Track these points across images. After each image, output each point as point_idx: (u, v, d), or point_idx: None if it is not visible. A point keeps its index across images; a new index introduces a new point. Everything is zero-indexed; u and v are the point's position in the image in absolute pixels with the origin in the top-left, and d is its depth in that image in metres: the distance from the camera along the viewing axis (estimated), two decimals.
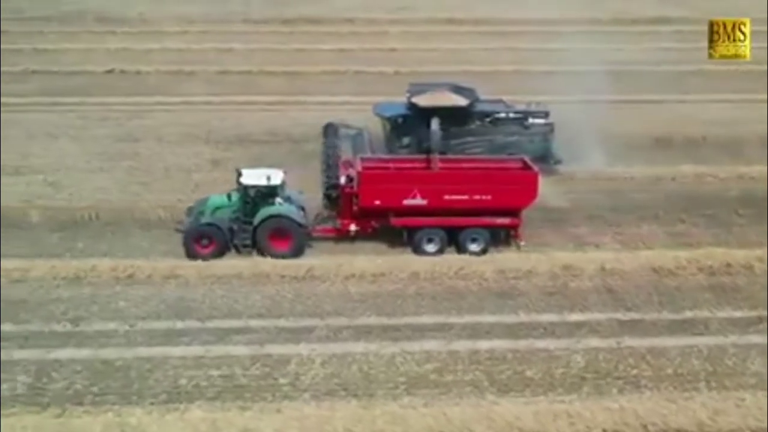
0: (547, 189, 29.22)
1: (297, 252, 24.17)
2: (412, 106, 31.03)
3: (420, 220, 24.49)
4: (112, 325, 20.74)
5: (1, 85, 41.85)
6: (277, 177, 24.52)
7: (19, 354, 19.35)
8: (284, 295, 22.32)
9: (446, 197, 24.29)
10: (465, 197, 24.26)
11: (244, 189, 24.34)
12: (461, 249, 24.53)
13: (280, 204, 24.43)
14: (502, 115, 31.54)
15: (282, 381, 18.49)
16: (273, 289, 22.60)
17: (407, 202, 24.29)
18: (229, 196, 24.84)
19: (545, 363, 19.25)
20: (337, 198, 25.61)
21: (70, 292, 22.25)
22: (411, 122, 30.72)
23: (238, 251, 24.17)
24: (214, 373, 18.76)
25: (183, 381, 18.44)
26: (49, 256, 23.90)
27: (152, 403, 17.66)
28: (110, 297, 22.07)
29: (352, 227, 25.04)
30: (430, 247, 24.46)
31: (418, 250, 24.46)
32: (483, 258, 24.06)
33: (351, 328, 20.72)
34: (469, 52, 51.48)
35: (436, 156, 26.06)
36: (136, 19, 60.72)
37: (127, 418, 17.15)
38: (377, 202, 24.43)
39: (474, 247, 24.50)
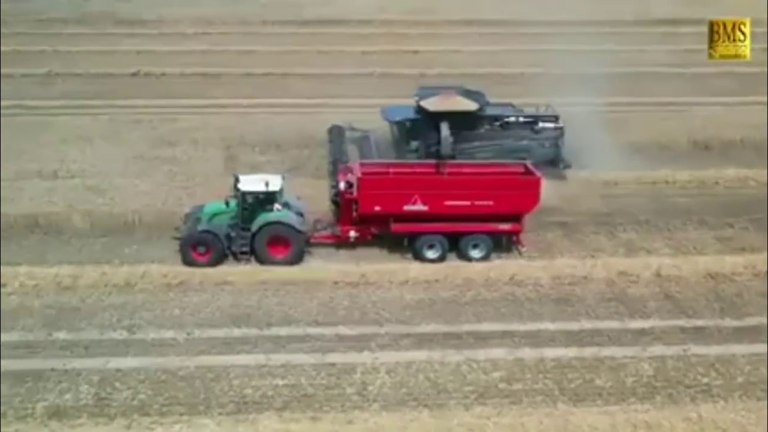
0: (590, 194, 29.38)
1: (295, 259, 23.65)
2: (421, 110, 30.55)
3: (420, 226, 24.00)
4: (169, 333, 20.47)
5: (26, 88, 42.06)
6: (275, 183, 23.97)
7: (79, 363, 19.08)
8: (339, 301, 22.07)
9: (447, 203, 23.88)
10: (467, 203, 23.87)
11: (242, 195, 23.79)
12: (463, 255, 24.11)
13: (278, 210, 23.88)
14: (512, 119, 31.13)
15: (349, 390, 18.24)
16: (327, 295, 22.34)
17: (408, 208, 23.87)
18: (227, 203, 24.26)
19: (613, 371, 18.99)
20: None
21: (122, 299, 21.99)
22: (419, 126, 30.32)
23: (236, 258, 23.68)
24: (279, 382, 18.50)
25: (249, 391, 18.17)
26: (97, 263, 23.62)
27: (221, 414, 17.40)
28: (163, 304, 21.82)
29: (352, 234, 24.61)
30: (431, 254, 24.04)
31: (419, 257, 24.01)
32: (537, 264, 23.81)
33: (412, 336, 20.45)
34: (492, 54, 51.09)
35: (447, 161, 25.67)
36: (154, 20, 60.27)
37: (199, 430, 16.91)
38: (377, 208, 23.98)
39: (475, 253, 24.09)
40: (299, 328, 20.80)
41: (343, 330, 20.72)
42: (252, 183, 23.94)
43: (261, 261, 23.54)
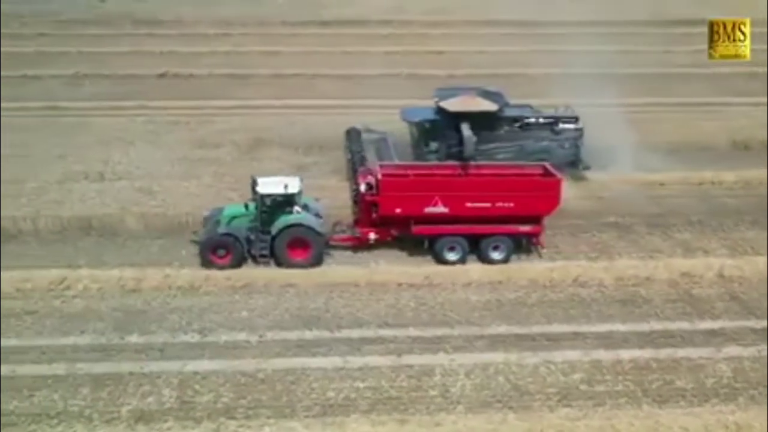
0: (638, 194, 29.42)
1: (315, 262, 23.46)
2: (441, 111, 30.36)
3: (441, 228, 23.85)
4: (241, 336, 20.39)
5: (55, 89, 41.99)
6: (294, 185, 23.79)
7: (156, 366, 18.99)
8: (406, 303, 22.01)
9: (468, 205, 23.74)
10: (487, 205, 23.72)
11: (261, 198, 23.57)
12: (483, 257, 23.98)
13: (298, 212, 23.71)
14: (532, 120, 30.94)
15: (432, 393, 18.18)
16: (393, 297, 22.29)
17: (428, 210, 23.73)
18: (246, 206, 24.07)
19: (692, 372, 18.97)
20: None
21: (188, 302, 21.89)
22: (439, 127, 30.17)
23: (255, 261, 23.47)
24: (360, 384, 18.43)
25: (331, 393, 18.11)
26: (157, 265, 23.49)
27: (307, 417, 17.33)
28: (230, 306, 21.73)
29: (372, 236, 24.45)
30: (452, 256, 23.90)
31: (439, 259, 23.92)
32: (600, 265, 23.76)
33: (484, 338, 20.41)
34: (516, 54, 51.14)
35: (470, 162, 25.45)
36: (173, 21, 60.33)
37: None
38: (398, 210, 23.85)
39: (496, 255, 23.96)
40: (370, 330, 20.74)
41: (414, 332, 20.65)
42: (271, 185, 23.73)
43: (280, 264, 23.34)
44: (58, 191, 28.15)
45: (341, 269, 23.43)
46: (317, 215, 24.32)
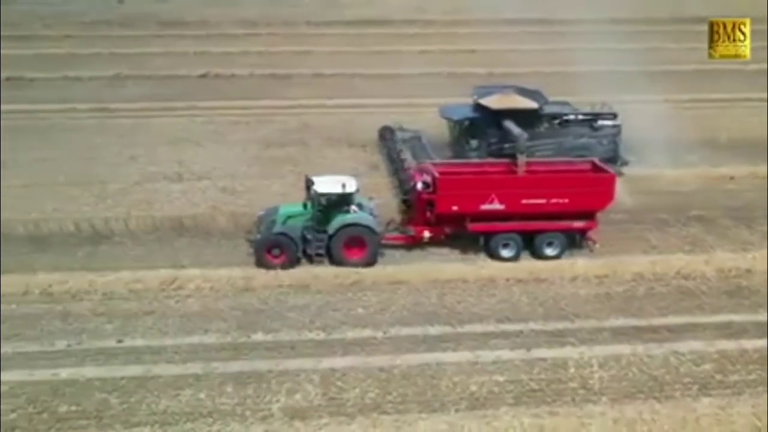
0: (711, 188, 29.95)
1: (371, 261, 23.47)
2: (482, 109, 30.56)
3: (497, 225, 23.94)
4: (365, 333, 20.51)
5: (99, 90, 41.87)
6: (351, 184, 23.81)
7: (291, 364, 19.04)
8: (518, 298, 22.26)
9: (523, 201, 23.87)
10: (542, 201, 23.87)
11: (318, 197, 23.60)
12: (537, 253, 24.10)
13: (354, 212, 23.74)
14: (571, 117, 31.27)
15: (572, 385, 18.42)
16: (503, 292, 22.52)
17: (484, 207, 23.83)
18: (305, 205, 24.13)
19: None
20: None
21: (303, 300, 21.98)
22: (479, 125, 30.40)
23: (311, 261, 23.48)
24: (499, 378, 18.61)
25: (474, 387, 18.28)
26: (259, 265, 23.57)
27: (458, 411, 17.47)
28: (346, 304, 21.83)
29: (426, 234, 24.45)
30: (506, 252, 24.04)
31: (494, 256, 24.03)
32: (699, 258, 24.13)
33: (606, 330, 20.69)
34: (548, 52, 51.43)
35: (523, 159, 25.53)
36: (197, 22, 60.27)
37: (440, 427, 16.97)
38: (455, 208, 23.91)
39: (550, 251, 24.07)
40: (491, 324, 20.94)
41: (535, 326, 20.89)
42: (327, 185, 23.75)
43: (336, 263, 23.35)
44: (141, 192, 28.12)
45: (448, 266, 23.63)
46: (371, 214, 24.36)
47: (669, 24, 60.45)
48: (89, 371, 18.67)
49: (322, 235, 23.51)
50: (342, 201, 23.70)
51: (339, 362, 19.20)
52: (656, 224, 26.77)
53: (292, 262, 23.27)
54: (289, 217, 23.99)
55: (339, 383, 18.39)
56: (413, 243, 24.65)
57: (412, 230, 24.72)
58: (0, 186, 28.02)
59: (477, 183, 24.61)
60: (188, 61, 48.66)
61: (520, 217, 24.07)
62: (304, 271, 23.09)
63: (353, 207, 23.81)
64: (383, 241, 24.31)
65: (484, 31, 58.16)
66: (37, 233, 25.51)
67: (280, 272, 22.94)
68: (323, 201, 23.63)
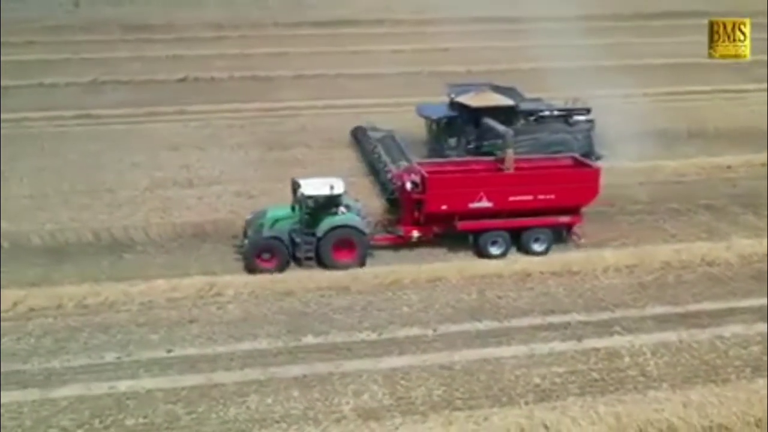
0: (711, 177, 30.90)
1: (361, 262, 23.37)
2: (460, 107, 30.61)
3: (486, 223, 24.06)
4: (415, 331, 20.51)
5: (79, 96, 40.92)
6: (339, 186, 23.68)
7: (350, 365, 18.93)
8: (556, 290, 22.55)
9: (512, 198, 24.07)
10: (530, 198, 24.13)
11: (306, 200, 23.41)
12: (525, 250, 24.32)
13: (343, 213, 23.65)
14: (547, 113, 31.55)
15: (631, 372, 18.72)
16: (540, 286, 22.80)
17: (473, 205, 23.95)
18: (293, 208, 23.94)
19: None
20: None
21: (345, 301, 21.86)
22: (457, 123, 30.46)
23: (299, 264, 23.29)
24: (559, 369, 18.82)
25: (537, 380, 18.44)
26: (293, 268, 23.36)
27: (527, 403, 17.60)
28: (389, 303, 21.79)
29: (415, 234, 24.46)
30: (495, 250, 24.15)
31: (482, 253, 24.14)
32: (720, 245, 24.78)
33: (648, 318, 21.10)
34: (520, 50, 51.97)
35: (511, 156, 25.44)
36: (163, 25, 59.44)
37: (513, 419, 17.02)
38: (444, 207, 23.94)
39: (537, 247, 24.33)
40: (537, 317, 21.16)
41: (579, 317, 21.18)
42: (315, 187, 23.52)
43: (325, 266, 23.19)
44: (154, 199, 27.62)
45: (481, 262, 23.83)
46: (359, 215, 24.26)
47: (633, 20, 62.01)
48: (147, 383, 18.28)
49: (310, 237, 23.24)
50: (330, 203, 23.52)
51: (397, 361, 19.17)
52: (669, 214, 27.52)
53: (282, 266, 23.03)
54: (277, 220, 23.64)
55: (403, 382, 18.37)
56: (402, 243, 24.58)
57: (401, 230, 24.67)
58: (1, 196, 27.36)
59: (466, 181, 24.60)
60: (163, 65, 48.00)
61: (508, 214, 24.23)
62: (340, 273, 22.97)
63: (341, 208, 23.70)
64: (373, 242, 24.14)
65: (454, 30, 58.45)
66: (54, 244, 24.88)
67: (318, 274, 22.84)
68: (311, 203, 23.41)
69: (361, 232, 23.47)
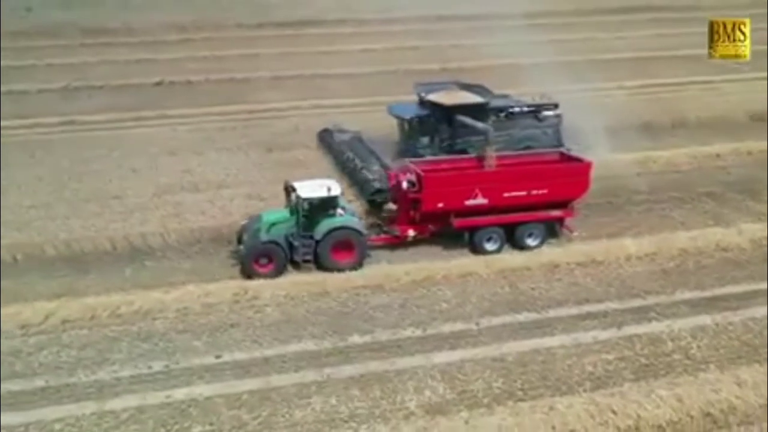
0: (704, 166, 31.86)
1: (359, 263, 23.28)
2: (433, 105, 30.45)
3: (481, 219, 24.27)
4: (458, 326, 20.68)
5: (55, 103, 39.86)
6: (335, 187, 23.51)
7: (402, 363, 19.01)
8: (584, 280, 22.97)
9: (506, 194, 24.28)
10: (523, 193, 24.36)
11: (303, 202, 23.12)
12: (519, 245, 24.53)
13: (341, 215, 23.54)
14: (517, 109, 31.50)
15: (676, 356, 19.22)
16: (568, 276, 23.19)
17: (469, 202, 24.10)
18: (291, 212, 23.63)
19: None
20: (381, 203, 25.70)
21: (381, 300, 21.90)
22: (430, 122, 30.15)
23: (297, 268, 23.09)
24: (608, 356, 19.23)
25: (589, 368, 18.81)
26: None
27: (585, 391, 17.91)
28: (425, 300, 21.90)
29: (411, 233, 24.54)
30: (490, 246, 24.37)
31: (478, 250, 24.31)
32: (731, 231, 25.56)
33: (679, 303, 21.65)
34: (488, 47, 51.99)
35: (492, 153, 25.66)
36: (123, 29, 58.21)
37: (585, 407, 17.23)
38: (440, 205, 24.03)
39: (530, 241, 24.58)
40: (572, 308, 21.53)
41: (613, 305, 21.62)
42: (311, 189, 23.33)
43: (324, 268, 23.02)
44: (165, 204, 27.11)
45: (508, 256, 24.12)
46: (355, 216, 24.26)
47: (594, 15, 63.22)
48: (203, 389, 18.03)
49: (308, 240, 23.07)
50: (327, 205, 23.33)
51: (449, 356, 19.31)
52: (673, 203, 28.29)
53: (280, 271, 22.80)
54: (273, 224, 23.29)
55: (460, 376, 18.53)
56: (398, 243, 24.60)
57: (397, 230, 24.70)
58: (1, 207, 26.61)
59: (461, 179, 24.70)
60: (133, 69, 47.07)
61: (502, 210, 24.47)
62: (372, 271, 23.05)
63: (339, 210, 23.58)
64: (369, 243, 23.96)
65: (419, 28, 59.01)
66: (71, 254, 24.26)
67: (352, 274, 22.83)
68: (307, 206, 23.18)
69: (360, 233, 23.43)
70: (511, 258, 24.01)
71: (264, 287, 22.10)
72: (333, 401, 17.66)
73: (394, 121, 31.91)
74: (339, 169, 30.15)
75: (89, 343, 19.80)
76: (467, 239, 24.60)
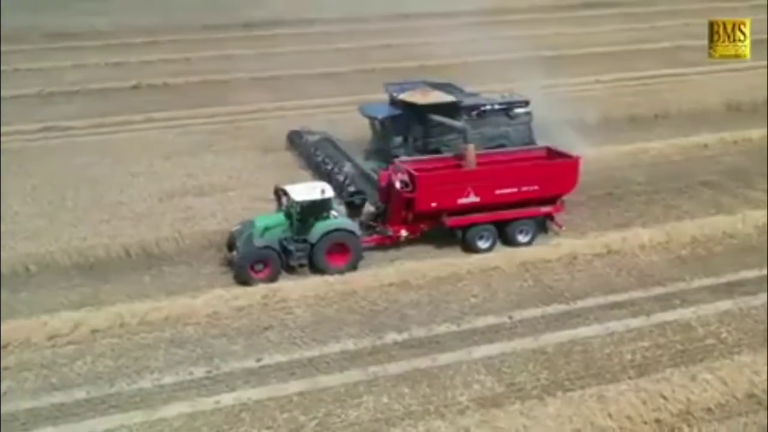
0: (696, 156, 32.67)
1: (354, 265, 23.10)
2: (405, 105, 30.17)
3: (474, 217, 24.27)
4: (491, 319, 20.82)
5: (32, 109, 38.88)
6: (328, 190, 23.30)
7: (446, 358, 19.05)
8: (605, 271, 23.31)
9: (497, 192, 24.34)
10: (514, 190, 24.48)
11: (297, 206, 22.90)
12: (510, 241, 24.59)
13: (335, 217, 23.41)
14: (488, 107, 31.22)
15: (710, 341, 19.61)
16: (588, 267, 23.50)
17: (461, 200, 24.16)
18: (287, 215, 23.34)
19: None
20: (359, 206, 25.56)
21: (410, 297, 21.91)
22: (403, 121, 29.94)
23: (293, 272, 22.78)
24: (644, 344, 19.58)
25: (628, 356, 19.11)
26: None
27: (630, 378, 18.24)
28: (454, 295, 22.00)
29: (403, 233, 24.46)
30: (482, 243, 24.37)
31: (471, 248, 24.29)
32: (735, 218, 26.18)
33: (700, 290, 22.12)
34: (462, 44, 52.57)
35: (472, 151, 25.63)
36: (87, 32, 56.95)
37: (635, 394, 17.54)
38: (434, 205, 24.04)
39: (521, 238, 24.66)
40: (599, 297, 21.80)
41: (637, 294, 21.96)
42: (304, 192, 23.12)
43: (319, 271, 22.77)
44: (173, 209, 26.64)
45: (525, 250, 24.31)
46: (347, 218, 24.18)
47: (554, 11, 64.21)
48: (251, 393, 17.83)
49: (302, 244, 22.82)
50: (321, 207, 23.05)
51: (489, 350, 19.43)
52: (673, 192, 28.89)
53: (275, 276, 22.48)
54: (267, 229, 22.89)
55: (505, 369, 18.67)
56: (390, 243, 24.50)
57: (389, 230, 24.54)
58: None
59: (454, 177, 24.73)
60: (107, 73, 46.35)
61: (493, 207, 24.51)
62: (396, 269, 23.10)
63: (333, 213, 23.43)
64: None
65: (386, 27, 59.12)
66: (86, 262, 23.70)
67: (377, 272, 22.85)
68: (300, 209, 22.93)
69: (355, 235, 23.27)
70: (530, 251, 24.26)
71: (292, 288, 21.97)
72: (385, 399, 17.64)
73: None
74: (313, 171, 29.58)
75: (123, 352, 19.41)
76: (460, 237, 24.62)
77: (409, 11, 63.22)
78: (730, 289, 22.22)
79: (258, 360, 19.14)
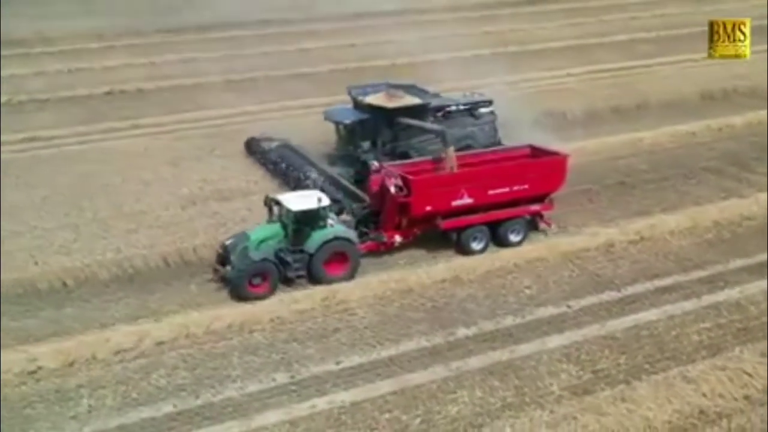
0: (688, 144, 33.82)
1: (352, 274, 22.64)
2: (372, 108, 29.17)
3: (468, 219, 24.22)
4: (550, 310, 21.19)
5: (6, 118, 37.16)
6: (324, 198, 22.67)
7: (522, 350, 19.31)
8: (641, 258, 23.99)
9: (490, 192, 24.37)
10: (506, 190, 24.55)
11: (293, 215, 22.22)
12: (502, 242, 24.58)
13: (332, 225, 22.81)
14: (453, 108, 30.70)
15: (764, 319, 20.54)
16: (626, 254, 24.15)
17: (455, 203, 24.10)
18: (284, 225, 22.58)
19: None
20: (338, 213, 24.59)
21: (464, 292, 22.13)
22: (370, 125, 29.11)
23: (290, 284, 22.12)
24: (706, 325, 20.29)
25: (695, 337, 19.77)
26: (389, 268, 23.33)
27: (704, 358, 18.85)
28: (507, 288, 22.31)
29: (398, 238, 24.23)
30: (476, 245, 24.31)
31: (465, 250, 24.22)
32: (747, 202, 27.24)
33: (739, 271, 22.97)
34: (424, 41, 52.82)
35: (452, 153, 25.60)
36: (36, 38, 54.55)
37: (714, 374, 18.08)
38: (428, 208, 23.93)
39: (513, 237, 24.69)
40: (647, 283, 22.43)
41: (680, 278, 22.71)
42: (299, 202, 22.50)
43: (317, 281, 22.17)
44: (201, 216, 25.94)
45: (563, 240, 24.85)
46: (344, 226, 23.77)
47: (502, 8, 64.96)
48: (344, 396, 17.67)
49: (300, 255, 22.17)
50: (318, 216, 22.35)
51: (561, 339, 19.78)
52: (680, 179, 29.87)
53: (274, 289, 21.78)
54: (262, 241, 22.17)
55: (584, 357, 19.06)
56: (385, 249, 24.15)
57: (384, 236, 24.26)
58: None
59: (447, 180, 24.69)
60: (72, 80, 44.62)
61: (485, 208, 24.53)
62: (445, 265, 23.26)
63: (330, 221, 22.98)
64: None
65: (343, 27, 58.54)
66: (125, 274, 22.94)
67: (428, 269, 22.92)
68: (294, 219, 22.12)
69: (354, 243, 22.88)
70: (567, 241, 24.71)
71: (350, 290, 21.83)
72: (479, 393, 17.76)
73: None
74: (278, 177, 29.07)
75: (198, 363, 18.92)
76: (454, 240, 24.43)
77: (360, 10, 62.83)
78: (765, 269, 23.20)
79: (337, 363, 18.96)
